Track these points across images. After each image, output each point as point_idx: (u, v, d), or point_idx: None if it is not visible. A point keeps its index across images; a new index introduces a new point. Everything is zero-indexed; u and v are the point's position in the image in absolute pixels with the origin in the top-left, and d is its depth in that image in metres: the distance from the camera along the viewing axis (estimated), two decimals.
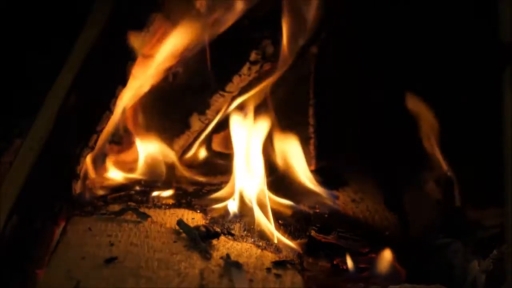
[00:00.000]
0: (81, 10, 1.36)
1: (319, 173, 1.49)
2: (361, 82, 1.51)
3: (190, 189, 1.46)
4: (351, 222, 1.35)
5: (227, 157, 1.50)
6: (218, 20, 1.47)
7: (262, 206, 1.27)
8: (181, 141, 1.50)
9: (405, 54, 1.45)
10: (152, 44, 1.44)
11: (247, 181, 1.32)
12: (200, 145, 1.55)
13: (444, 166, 1.41)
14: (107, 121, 1.34)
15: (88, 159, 1.36)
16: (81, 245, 1.17)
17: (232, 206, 1.31)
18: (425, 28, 1.43)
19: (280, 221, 1.30)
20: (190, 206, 1.37)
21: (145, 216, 1.26)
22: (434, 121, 1.39)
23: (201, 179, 1.50)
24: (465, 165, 1.40)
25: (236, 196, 1.32)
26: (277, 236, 1.22)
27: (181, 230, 1.22)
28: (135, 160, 1.52)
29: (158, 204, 1.37)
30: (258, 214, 1.25)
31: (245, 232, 1.25)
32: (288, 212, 1.34)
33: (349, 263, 1.20)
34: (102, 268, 1.09)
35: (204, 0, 1.44)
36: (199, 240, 1.18)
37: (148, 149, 1.49)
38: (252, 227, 1.26)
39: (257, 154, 1.34)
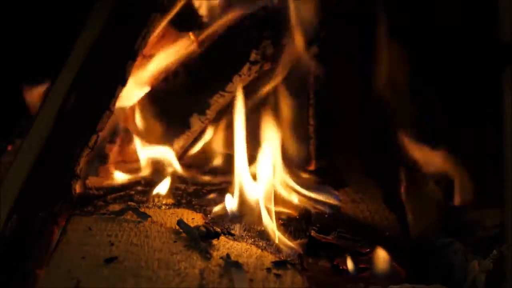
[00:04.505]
0: (81, 10, 1.36)
1: (319, 173, 1.49)
2: (362, 82, 1.51)
3: (190, 189, 1.46)
4: (351, 222, 1.35)
5: (227, 157, 1.50)
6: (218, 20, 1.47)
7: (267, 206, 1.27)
8: (181, 141, 1.50)
9: (404, 54, 1.45)
10: (152, 44, 1.44)
11: (251, 181, 1.32)
12: (200, 145, 1.55)
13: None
14: (107, 121, 1.34)
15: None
16: (81, 244, 1.17)
17: (231, 206, 1.30)
18: (425, 28, 1.43)
19: (280, 221, 1.30)
20: (190, 206, 1.37)
21: (145, 216, 1.26)
22: None
23: (201, 179, 1.50)
24: (465, 164, 1.40)
25: (236, 195, 1.31)
26: (278, 236, 1.22)
27: (181, 230, 1.22)
28: (135, 160, 1.52)
29: (158, 204, 1.37)
30: (263, 213, 1.25)
31: (245, 232, 1.26)
32: (290, 211, 1.34)
33: (349, 263, 1.20)
34: (102, 268, 1.09)
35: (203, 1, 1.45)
36: (199, 240, 1.18)
37: (148, 149, 1.49)
38: (252, 227, 1.26)
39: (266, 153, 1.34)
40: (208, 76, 1.48)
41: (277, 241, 1.21)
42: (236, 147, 1.35)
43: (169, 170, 1.47)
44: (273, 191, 1.29)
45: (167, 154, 1.47)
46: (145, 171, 1.49)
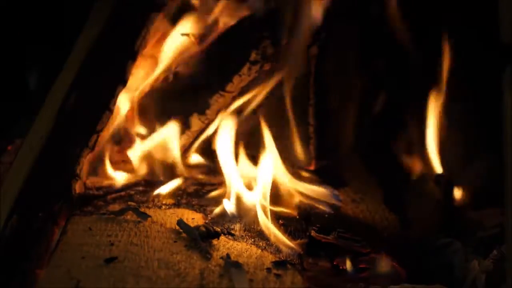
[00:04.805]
0: (82, 10, 1.36)
1: (319, 173, 1.49)
2: (362, 82, 1.51)
3: (190, 189, 1.46)
4: (351, 222, 1.35)
5: None
6: (218, 20, 1.47)
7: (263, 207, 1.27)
8: (181, 141, 1.50)
9: (404, 53, 1.46)
10: (152, 44, 1.44)
11: (246, 181, 1.32)
12: (200, 145, 1.54)
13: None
14: (107, 121, 1.34)
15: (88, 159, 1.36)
16: (81, 244, 1.17)
17: (229, 206, 1.30)
18: (425, 27, 1.43)
19: (280, 221, 1.30)
20: (190, 206, 1.37)
21: (145, 216, 1.26)
22: None
23: (201, 179, 1.50)
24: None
25: (233, 195, 1.31)
26: (277, 236, 1.22)
27: (181, 230, 1.22)
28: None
29: (158, 204, 1.37)
30: (260, 214, 1.25)
31: (245, 232, 1.25)
32: (290, 211, 1.34)
33: (349, 263, 1.20)
34: (102, 268, 1.09)
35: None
36: (199, 240, 1.18)
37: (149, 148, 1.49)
38: (252, 227, 1.26)
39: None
40: (208, 76, 1.48)
41: (273, 240, 1.21)
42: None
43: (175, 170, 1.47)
44: (269, 191, 1.29)
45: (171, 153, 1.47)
46: (145, 171, 1.49)
